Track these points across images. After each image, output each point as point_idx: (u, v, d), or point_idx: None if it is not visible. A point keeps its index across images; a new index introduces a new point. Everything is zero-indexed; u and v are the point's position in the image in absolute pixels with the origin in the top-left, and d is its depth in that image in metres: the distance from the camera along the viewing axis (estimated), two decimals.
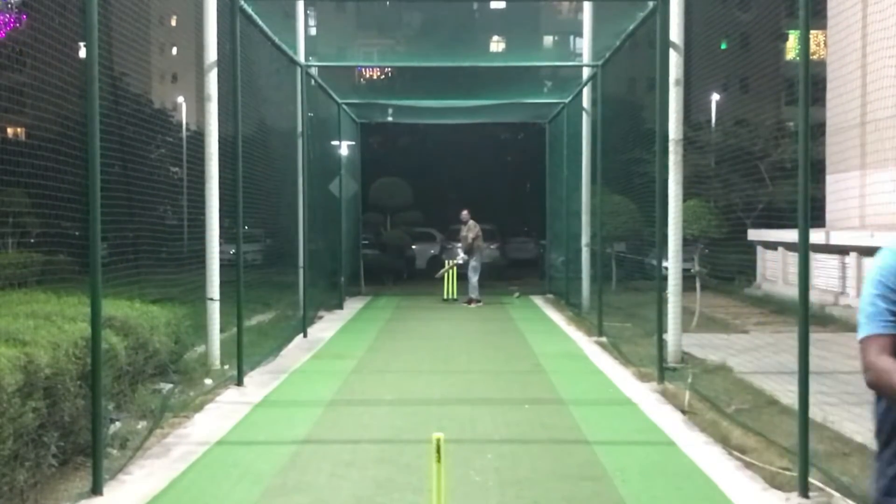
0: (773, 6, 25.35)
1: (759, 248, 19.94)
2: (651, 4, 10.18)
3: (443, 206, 30.15)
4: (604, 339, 12.46)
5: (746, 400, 8.10)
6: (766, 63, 31.28)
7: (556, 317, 16.07)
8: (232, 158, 9.72)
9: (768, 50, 31.42)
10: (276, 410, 8.19)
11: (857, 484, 5.53)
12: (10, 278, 8.37)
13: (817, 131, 17.22)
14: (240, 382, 9.17)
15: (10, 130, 10.54)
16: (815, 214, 16.06)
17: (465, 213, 18.99)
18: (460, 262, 19.27)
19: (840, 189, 15.75)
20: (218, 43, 9.86)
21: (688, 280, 11.68)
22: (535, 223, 28.94)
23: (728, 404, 7.90)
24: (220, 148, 9.87)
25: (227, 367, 9.61)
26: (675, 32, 9.96)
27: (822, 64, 18.16)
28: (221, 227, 9.97)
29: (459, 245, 19.90)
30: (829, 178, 17.31)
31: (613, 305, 14.74)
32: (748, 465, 6.15)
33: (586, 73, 15.79)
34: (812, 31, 6.03)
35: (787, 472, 5.79)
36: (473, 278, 18.36)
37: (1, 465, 4.91)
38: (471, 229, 18.72)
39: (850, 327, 13.54)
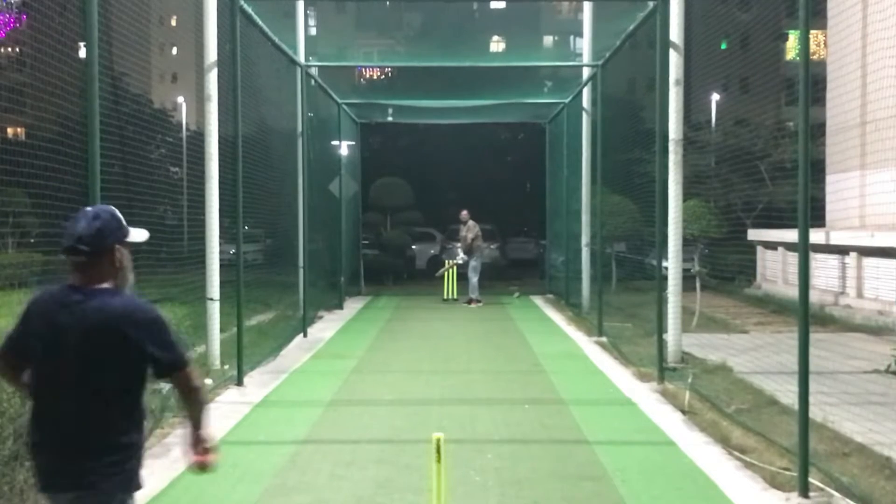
0: (773, 6, 25.36)
1: (759, 248, 19.94)
2: (651, 4, 10.18)
3: (443, 206, 30.17)
4: (604, 339, 12.46)
5: (746, 400, 8.10)
6: (766, 63, 31.29)
7: (556, 317, 16.07)
8: (232, 158, 9.72)
9: (768, 50, 31.45)
10: (276, 410, 8.19)
11: (857, 484, 5.53)
12: (10, 278, 8.36)
13: (817, 131, 17.22)
14: (240, 382, 9.17)
15: (10, 130, 10.53)
16: (815, 214, 16.05)
17: (464, 213, 18.98)
18: (460, 262, 19.26)
19: (840, 189, 15.74)
20: (218, 43, 9.86)
21: (688, 280, 11.68)
22: (535, 223, 28.94)
23: (728, 404, 7.91)
24: (220, 148, 9.86)
25: (227, 367, 9.61)
26: (675, 32, 9.96)
27: (822, 64, 18.16)
28: (221, 227, 9.97)
29: (459, 245, 19.90)
30: (829, 178, 17.30)
31: (613, 305, 14.74)
32: (748, 465, 6.15)
33: (586, 73, 15.79)
34: (812, 31, 6.03)
35: (787, 472, 5.79)
36: (473, 278, 18.36)
37: (1, 465, 4.91)
38: (470, 229, 18.71)
39: (850, 327, 13.57)
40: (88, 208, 3.10)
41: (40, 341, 2.96)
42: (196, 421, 3.16)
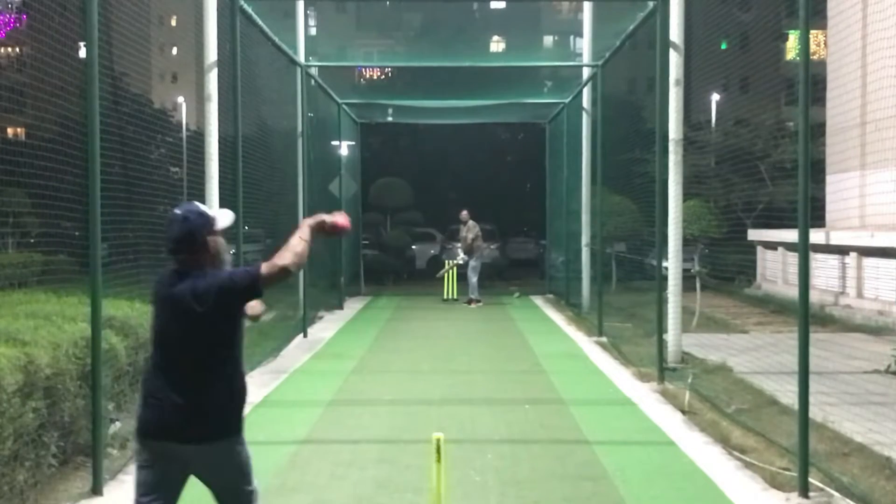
0: (773, 6, 25.36)
1: (759, 248, 19.94)
2: (651, 4, 10.18)
3: (443, 206, 30.15)
4: (604, 339, 12.46)
5: (746, 400, 8.10)
6: (766, 63, 31.27)
7: (556, 317, 16.07)
8: (232, 158, 9.71)
9: (768, 50, 31.41)
10: (276, 410, 8.19)
11: (857, 484, 5.54)
12: (10, 278, 8.37)
13: (817, 131, 17.22)
14: None
15: (10, 130, 10.53)
16: (815, 214, 16.06)
17: (464, 213, 18.95)
18: (460, 262, 19.22)
19: (840, 189, 15.75)
20: (218, 43, 9.85)
21: (688, 280, 11.68)
22: (535, 223, 28.93)
23: (728, 404, 7.91)
24: (220, 148, 9.85)
25: None
26: (675, 32, 9.97)
27: (822, 64, 18.16)
28: None
29: (459, 245, 19.88)
30: (829, 178, 17.31)
31: (613, 305, 14.73)
32: (748, 465, 6.15)
33: (586, 73, 15.79)
34: (812, 31, 6.03)
35: (787, 472, 5.79)
36: (473, 278, 18.34)
37: (1, 465, 4.91)
38: (470, 230, 18.68)
39: (850, 327, 13.57)
40: (177, 211, 3.53)
41: (154, 314, 3.57)
42: (304, 240, 3.45)
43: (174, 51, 53.55)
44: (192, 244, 3.46)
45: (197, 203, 3.58)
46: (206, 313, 3.38)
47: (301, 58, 14.39)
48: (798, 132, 5.74)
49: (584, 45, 16.40)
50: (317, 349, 12.08)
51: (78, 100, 7.06)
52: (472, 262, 18.49)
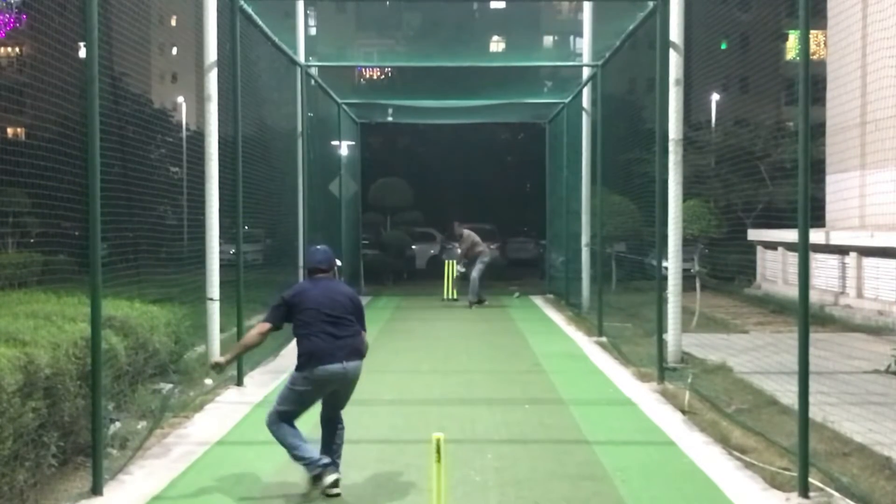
0: (773, 6, 25.36)
1: (759, 248, 19.93)
2: (651, 4, 10.18)
3: (443, 206, 30.16)
4: (604, 339, 12.45)
5: (746, 400, 8.10)
6: (766, 63, 31.26)
7: (556, 317, 16.06)
8: (232, 159, 9.71)
9: (768, 50, 31.41)
10: None
11: (857, 484, 5.54)
12: (10, 278, 8.37)
13: (817, 131, 17.21)
14: (240, 382, 9.17)
15: (10, 130, 10.53)
16: (815, 214, 16.06)
17: (455, 225, 18.65)
18: (462, 269, 18.96)
19: (840, 189, 15.74)
20: (218, 43, 9.85)
21: (688, 280, 11.68)
22: (535, 223, 28.92)
23: (728, 404, 7.91)
24: (219, 148, 9.85)
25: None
26: (675, 32, 9.96)
27: (822, 64, 18.15)
28: (221, 227, 9.96)
29: (459, 247, 19.76)
30: (829, 178, 17.30)
31: (613, 305, 14.73)
32: (748, 465, 6.15)
33: (586, 73, 15.79)
34: (812, 31, 6.03)
35: (787, 472, 5.79)
36: (476, 280, 18.23)
37: (1, 465, 4.91)
38: (464, 241, 18.49)
39: (850, 327, 13.56)
40: (318, 246, 6.40)
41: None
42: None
43: (174, 51, 53.47)
44: (332, 264, 6.14)
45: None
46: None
47: (301, 58, 14.39)
48: (798, 132, 5.74)
49: (584, 45, 16.39)
50: None
51: (78, 100, 7.06)
52: (478, 265, 18.26)
